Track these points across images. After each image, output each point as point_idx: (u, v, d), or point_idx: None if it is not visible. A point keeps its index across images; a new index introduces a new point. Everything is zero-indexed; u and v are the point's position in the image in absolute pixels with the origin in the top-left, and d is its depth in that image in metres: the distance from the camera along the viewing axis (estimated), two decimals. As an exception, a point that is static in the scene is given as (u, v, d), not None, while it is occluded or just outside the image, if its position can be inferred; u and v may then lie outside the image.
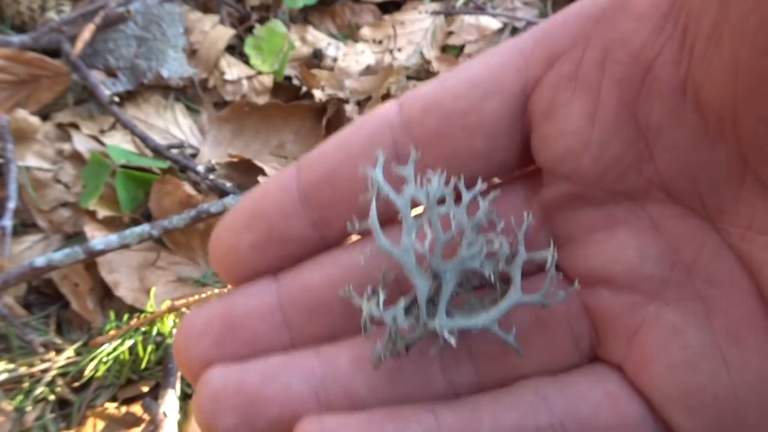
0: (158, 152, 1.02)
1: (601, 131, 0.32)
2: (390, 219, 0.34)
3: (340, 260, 0.35)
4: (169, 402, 0.84)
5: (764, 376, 0.30)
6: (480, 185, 0.33)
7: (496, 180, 0.36)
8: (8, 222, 0.90)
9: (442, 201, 0.32)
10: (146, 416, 0.87)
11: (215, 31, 1.18)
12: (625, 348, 0.32)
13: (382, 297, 0.32)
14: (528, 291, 0.33)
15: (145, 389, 0.91)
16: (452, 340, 0.31)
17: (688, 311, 0.31)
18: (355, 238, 0.36)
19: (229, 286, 0.36)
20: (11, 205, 0.92)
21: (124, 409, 0.88)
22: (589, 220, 0.33)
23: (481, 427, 0.31)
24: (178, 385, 0.87)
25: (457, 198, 0.33)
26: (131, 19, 1.12)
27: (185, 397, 0.90)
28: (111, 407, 0.88)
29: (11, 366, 0.90)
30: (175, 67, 1.13)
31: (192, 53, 1.17)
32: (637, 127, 0.31)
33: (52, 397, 0.89)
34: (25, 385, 0.89)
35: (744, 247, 0.30)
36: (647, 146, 0.31)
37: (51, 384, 0.89)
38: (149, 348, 0.89)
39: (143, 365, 0.90)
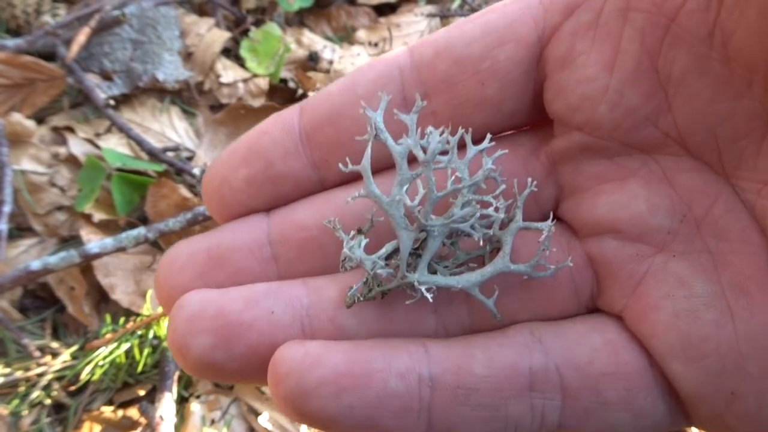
0: (154, 155, 1.02)
1: (619, 80, 0.31)
2: (391, 164, 0.32)
3: (335, 200, 0.34)
4: (166, 405, 0.84)
5: None
6: (488, 142, 0.32)
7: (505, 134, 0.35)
8: (4, 226, 0.90)
9: (445, 152, 0.31)
10: (143, 420, 0.87)
11: (211, 34, 1.18)
12: (628, 297, 0.32)
13: (363, 241, 0.31)
14: (517, 252, 0.32)
15: (142, 393, 0.91)
16: (429, 297, 0.30)
17: (696, 263, 0.31)
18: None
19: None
20: (6, 209, 0.92)
21: (120, 412, 0.88)
22: (600, 171, 0.33)
23: (473, 364, 0.30)
24: (174, 389, 0.87)
25: (463, 147, 0.32)
26: (126, 23, 1.12)
27: (182, 401, 0.89)
28: (107, 411, 0.88)
29: (7, 370, 0.89)
30: (171, 70, 1.13)
31: (187, 56, 1.17)
32: (658, 77, 0.30)
33: (48, 401, 0.89)
34: (21, 389, 0.89)
35: (759, 202, 0.30)
36: (666, 97, 0.31)
37: (47, 388, 0.89)
38: (146, 351, 0.89)
39: (140, 369, 0.89)
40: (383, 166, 0.33)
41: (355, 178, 0.32)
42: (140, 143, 1.02)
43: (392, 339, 0.31)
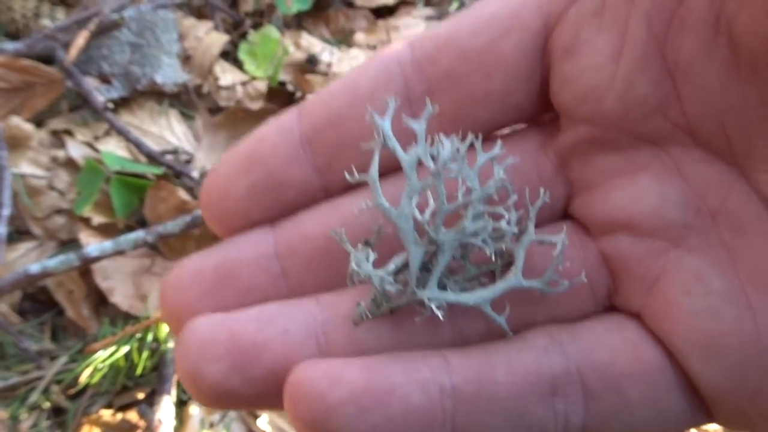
0: (153, 158, 1.02)
1: (627, 68, 0.30)
2: (396, 168, 0.31)
3: (342, 208, 0.32)
4: (165, 408, 0.84)
5: None
6: (498, 149, 0.30)
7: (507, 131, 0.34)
8: (3, 229, 0.90)
9: (453, 159, 0.30)
10: (142, 423, 0.87)
11: (209, 37, 1.18)
12: (645, 295, 0.31)
13: (372, 255, 0.30)
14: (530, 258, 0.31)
15: (141, 396, 0.91)
16: (440, 314, 0.29)
17: (712, 258, 0.30)
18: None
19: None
20: (5, 212, 0.92)
21: (119, 415, 0.88)
22: (610, 166, 0.32)
23: (494, 372, 0.29)
24: (173, 392, 0.87)
25: (470, 151, 0.30)
26: (125, 26, 1.12)
27: (181, 404, 0.89)
28: (106, 414, 0.88)
29: (6, 373, 0.90)
30: (170, 73, 1.13)
31: (186, 59, 1.17)
32: (666, 64, 0.29)
33: (47, 405, 0.89)
34: (20, 392, 0.89)
35: None
36: (675, 86, 0.30)
37: (46, 391, 0.89)
38: (144, 354, 0.89)
39: (139, 372, 0.89)
40: (387, 169, 0.32)
41: (361, 183, 0.31)
42: (139, 146, 1.03)
43: (410, 352, 0.30)
